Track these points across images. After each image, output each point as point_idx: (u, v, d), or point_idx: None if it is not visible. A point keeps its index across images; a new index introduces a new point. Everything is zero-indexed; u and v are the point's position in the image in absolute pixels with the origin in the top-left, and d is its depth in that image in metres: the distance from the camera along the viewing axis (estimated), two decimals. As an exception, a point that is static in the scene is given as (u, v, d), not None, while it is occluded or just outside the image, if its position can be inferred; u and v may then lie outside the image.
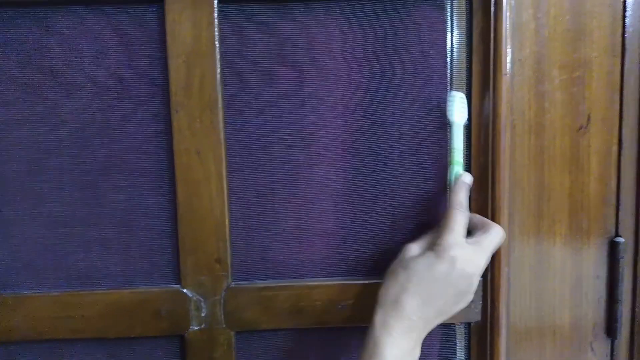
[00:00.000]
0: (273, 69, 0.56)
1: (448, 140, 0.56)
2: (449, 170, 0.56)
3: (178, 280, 0.57)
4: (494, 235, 0.52)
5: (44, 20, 0.55)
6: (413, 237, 0.56)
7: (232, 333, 0.57)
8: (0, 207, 0.57)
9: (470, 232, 0.53)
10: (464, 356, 0.62)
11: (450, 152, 0.55)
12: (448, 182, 0.56)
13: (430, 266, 0.49)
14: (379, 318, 0.49)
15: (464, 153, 0.56)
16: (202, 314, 0.57)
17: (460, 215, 0.51)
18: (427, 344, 0.61)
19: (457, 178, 0.54)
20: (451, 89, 0.57)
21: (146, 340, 0.59)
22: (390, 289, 0.50)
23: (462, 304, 0.51)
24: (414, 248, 0.52)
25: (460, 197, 0.53)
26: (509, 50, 0.55)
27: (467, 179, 0.55)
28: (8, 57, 0.55)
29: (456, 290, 0.50)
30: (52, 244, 0.58)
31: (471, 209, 0.58)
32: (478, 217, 0.55)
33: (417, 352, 0.50)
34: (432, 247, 0.51)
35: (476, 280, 0.51)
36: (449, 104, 0.56)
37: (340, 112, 0.57)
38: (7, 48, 0.55)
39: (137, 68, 0.55)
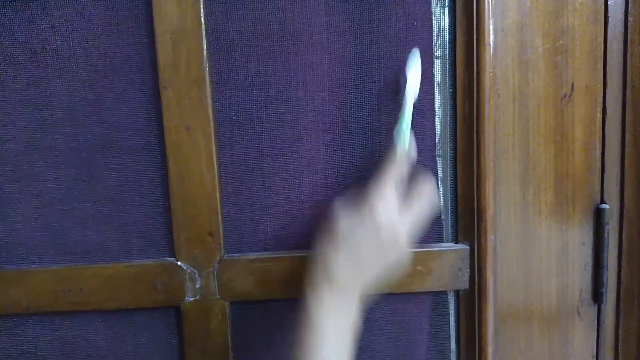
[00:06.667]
0: (259, 45, 0.57)
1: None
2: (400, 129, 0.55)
3: (172, 254, 0.59)
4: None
5: (35, 2, 0.56)
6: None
7: (227, 303, 0.59)
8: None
9: None
10: (454, 323, 0.63)
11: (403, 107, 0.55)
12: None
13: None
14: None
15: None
16: (197, 286, 0.59)
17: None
18: (418, 312, 0.63)
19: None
20: (434, 61, 0.57)
21: (144, 312, 0.61)
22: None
23: (390, 257, 0.51)
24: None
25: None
26: (491, 21, 0.55)
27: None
28: (0, 40, 0.56)
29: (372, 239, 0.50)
30: (50, 221, 0.59)
31: (456, 179, 0.59)
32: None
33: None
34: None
35: (390, 228, 0.51)
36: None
37: (327, 86, 0.58)
38: (-1, 30, 0.56)
39: (126, 47, 0.56)
